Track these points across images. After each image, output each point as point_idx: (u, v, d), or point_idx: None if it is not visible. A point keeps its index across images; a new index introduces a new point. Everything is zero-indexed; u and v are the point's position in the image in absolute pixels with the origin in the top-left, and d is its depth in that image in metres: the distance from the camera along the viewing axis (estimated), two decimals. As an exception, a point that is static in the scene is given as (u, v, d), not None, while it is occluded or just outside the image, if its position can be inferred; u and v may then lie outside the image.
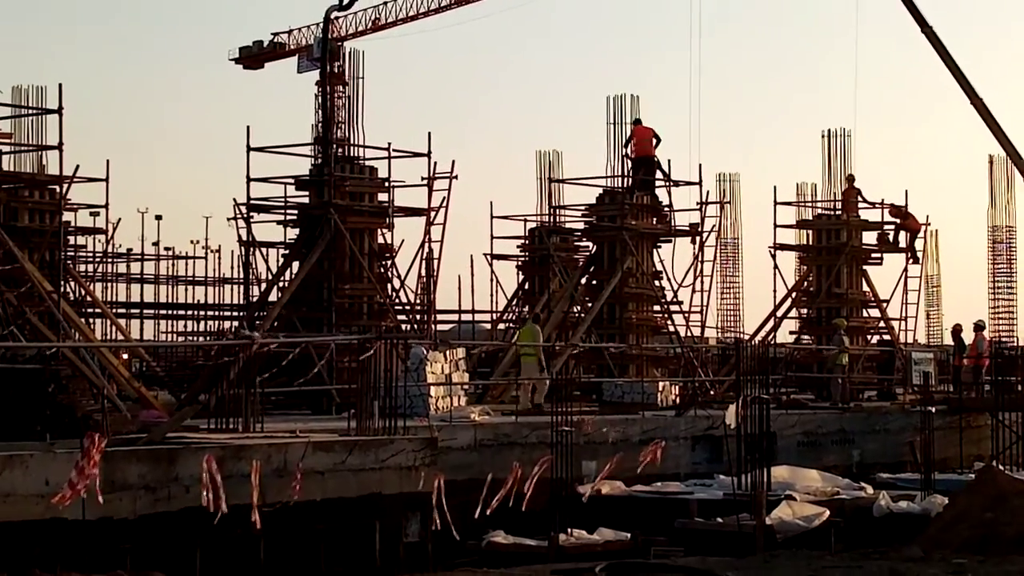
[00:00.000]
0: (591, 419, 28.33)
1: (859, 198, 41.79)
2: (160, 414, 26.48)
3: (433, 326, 36.08)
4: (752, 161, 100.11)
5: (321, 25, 54.85)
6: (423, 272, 34.63)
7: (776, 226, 41.32)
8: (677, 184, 39.46)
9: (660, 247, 39.66)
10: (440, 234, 34.29)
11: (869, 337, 42.12)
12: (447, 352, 29.92)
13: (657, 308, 39.25)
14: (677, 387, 35.29)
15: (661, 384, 35.02)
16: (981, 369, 37.67)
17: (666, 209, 39.59)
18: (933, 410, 30.13)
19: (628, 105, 39.16)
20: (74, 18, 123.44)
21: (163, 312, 50.18)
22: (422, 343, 30.06)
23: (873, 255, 42.13)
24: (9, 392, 23.15)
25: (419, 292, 35.07)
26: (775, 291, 41.41)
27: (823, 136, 41.74)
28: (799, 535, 23.61)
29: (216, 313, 49.82)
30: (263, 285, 34.53)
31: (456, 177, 34.24)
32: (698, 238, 39.65)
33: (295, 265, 33.36)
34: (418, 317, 34.85)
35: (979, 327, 39.26)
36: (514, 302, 43.50)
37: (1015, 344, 42.86)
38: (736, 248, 49.50)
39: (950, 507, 22.70)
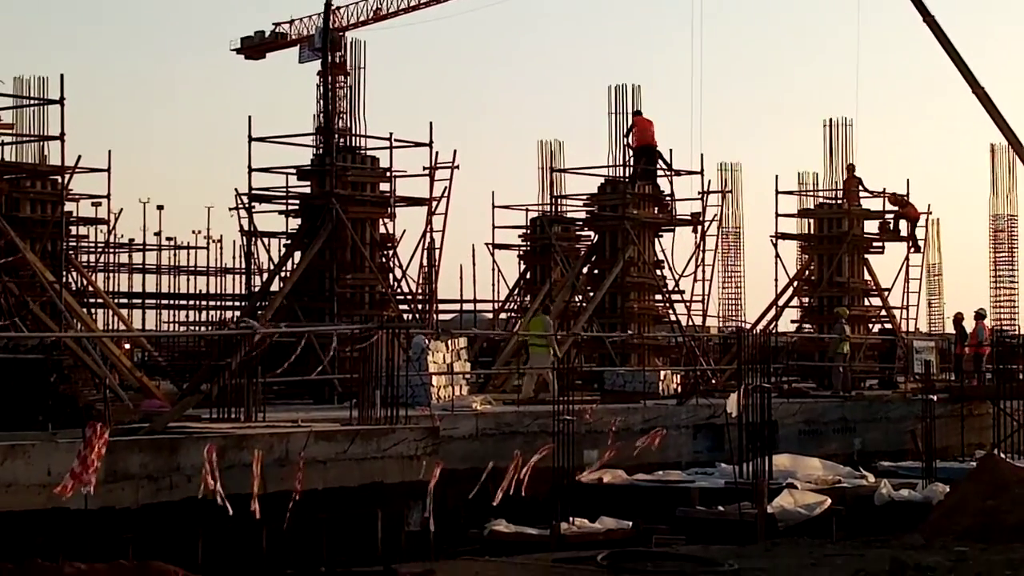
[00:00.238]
0: (593, 408, 28.35)
1: (860, 187, 41.78)
2: (162, 404, 26.50)
3: (435, 315, 36.09)
4: (753, 150, 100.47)
5: (322, 15, 54.72)
6: (425, 262, 34.65)
7: (777, 215, 41.35)
8: (678, 173, 39.53)
9: (662, 236, 39.71)
10: (442, 224, 34.34)
11: (870, 326, 42.16)
12: (449, 341, 29.95)
13: (659, 297, 39.28)
14: (679, 376, 35.31)
15: (663, 373, 35.03)
16: (982, 357, 37.69)
17: (667, 198, 39.63)
18: (934, 398, 30.15)
19: (629, 94, 39.19)
20: (76, 9, 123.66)
21: (165, 302, 50.22)
22: (424, 332, 30.08)
23: (874, 244, 42.14)
24: (11, 382, 23.15)
25: (421, 282, 35.10)
26: (776, 280, 41.45)
27: (824, 125, 41.74)
28: (801, 523, 23.66)
29: (218, 303, 49.85)
30: (265, 275, 34.55)
31: (458, 167, 34.28)
32: (699, 227, 39.70)
33: (297, 255, 33.37)
34: (420, 307, 34.86)
35: (980, 315, 39.26)
36: (515, 292, 43.51)
37: (1016, 332, 42.93)
38: (738, 237, 49.53)
39: (951, 495, 22.76)
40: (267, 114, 65.49)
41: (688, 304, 39.51)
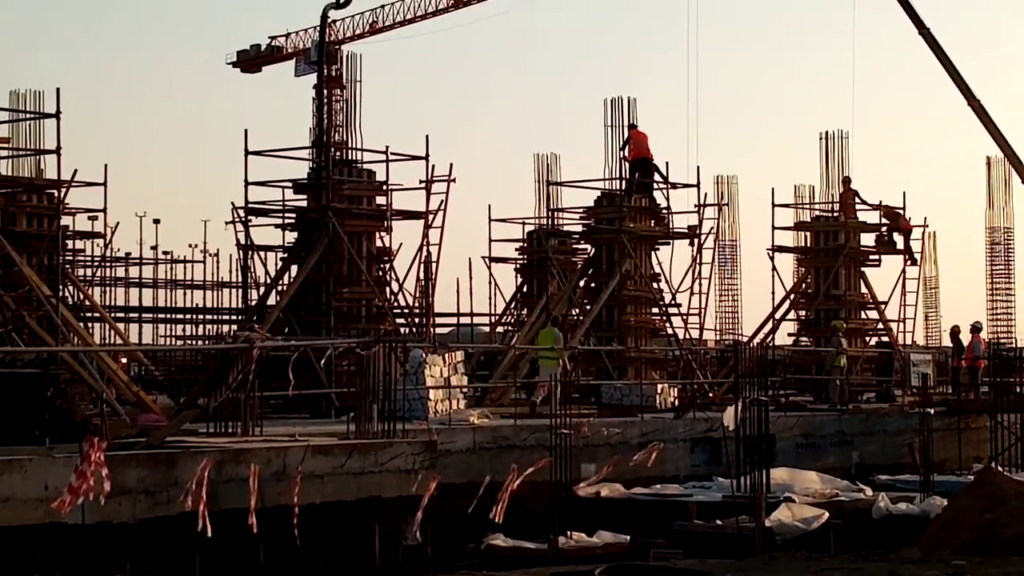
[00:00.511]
0: (590, 421, 28.32)
1: (857, 200, 41.80)
2: (159, 418, 26.48)
3: (432, 329, 36.08)
4: (750, 163, 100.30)
5: (318, 28, 54.76)
6: (421, 275, 34.65)
7: (774, 228, 41.37)
8: (675, 186, 39.54)
9: (658, 249, 39.71)
10: (438, 237, 34.37)
11: (868, 339, 42.16)
12: (446, 355, 29.94)
13: (655, 310, 39.28)
14: (676, 389, 35.30)
15: (660, 386, 35.01)
16: (977, 371, 37.69)
17: (664, 211, 39.64)
18: (932, 412, 30.13)
19: (625, 108, 39.25)
20: (72, 22, 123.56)
21: (162, 316, 50.14)
22: (421, 346, 30.06)
23: (871, 257, 42.16)
24: (8, 396, 23.15)
25: (417, 295, 35.10)
26: (773, 293, 41.49)
27: (820, 138, 41.80)
28: (798, 537, 23.62)
29: (215, 317, 49.80)
30: (262, 289, 34.58)
31: (454, 180, 34.32)
32: (696, 240, 39.69)
33: (293, 269, 33.38)
34: (416, 320, 34.86)
35: (975, 329, 39.26)
36: (512, 305, 43.53)
37: (1013, 345, 42.92)
38: (734, 250, 49.51)
39: (949, 509, 22.71)
40: (263, 128, 65.75)
41: (685, 317, 39.50)
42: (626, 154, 38.95)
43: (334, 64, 60.27)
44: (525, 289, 43.11)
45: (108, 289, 46.06)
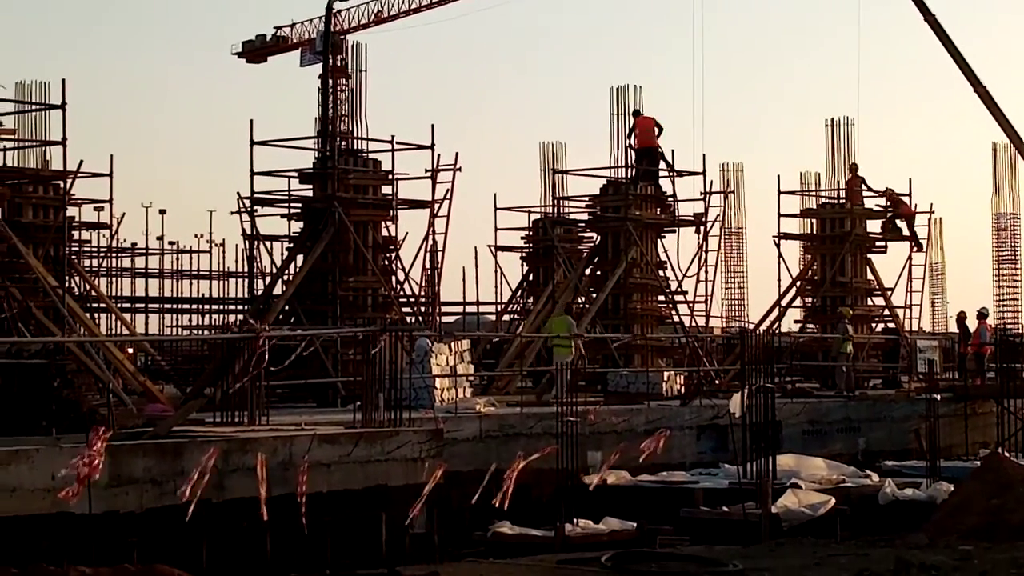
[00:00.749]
0: (596, 409, 28.33)
1: (863, 186, 41.77)
2: (165, 408, 26.51)
3: (438, 318, 36.09)
4: (756, 150, 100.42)
5: (324, 18, 54.73)
6: (427, 264, 34.66)
7: (780, 215, 41.41)
8: (681, 174, 39.53)
9: (664, 237, 39.71)
10: (444, 226, 34.38)
11: (874, 325, 42.14)
12: (452, 344, 29.95)
13: (661, 298, 39.27)
14: (682, 377, 35.32)
15: (666, 374, 35.03)
16: (984, 357, 37.67)
17: (670, 199, 39.63)
18: (938, 398, 30.16)
19: (631, 96, 39.22)
20: (77, 13, 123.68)
21: (168, 306, 50.21)
22: (427, 335, 30.08)
23: (877, 243, 42.14)
24: (15, 387, 23.16)
25: (423, 284, 35.09)
26: (779, 280, 41.51)
27: (826, 125, 41.76)
28: (805, 523, 23.65)
29: (221, 307, 49.83)
30: (267, 279, 34.58)
31: (460, 169, 34.31)
32: (702, 228, 39.69)
33: (299, 258, 33.37)
34: (423, 309, 34.86)
35: (982, 315, 39.24)
36: (518, 294, 43.51)
37: (1020, 331, 42.89)
38: (740, 237, 49.48)
39: (956, 494, 22.73)
40: (269, 118, 65.60)
41: (691, 305, 39.53)
42: (632, 142, 38.93)
43: (339, 54, 60.45)
44: (531, 278, 43.09)
45: (114, 279, 46.20)
